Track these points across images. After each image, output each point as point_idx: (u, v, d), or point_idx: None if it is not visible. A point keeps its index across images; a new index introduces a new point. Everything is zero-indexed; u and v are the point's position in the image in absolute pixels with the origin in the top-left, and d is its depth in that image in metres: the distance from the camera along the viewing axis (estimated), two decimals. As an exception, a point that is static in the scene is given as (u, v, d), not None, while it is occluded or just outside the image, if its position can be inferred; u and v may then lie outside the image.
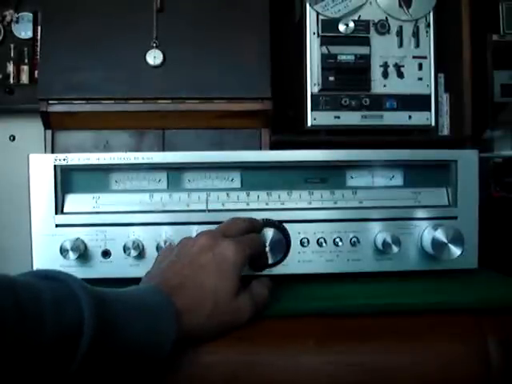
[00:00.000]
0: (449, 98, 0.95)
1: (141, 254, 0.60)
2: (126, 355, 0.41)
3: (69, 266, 0.58)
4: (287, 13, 0.94)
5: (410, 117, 0.88)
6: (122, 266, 0.60)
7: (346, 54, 0.85)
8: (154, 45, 0.83)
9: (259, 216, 0.61)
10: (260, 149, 0.86)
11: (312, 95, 0.86)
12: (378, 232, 0.62)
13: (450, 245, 0.60)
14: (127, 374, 0.43)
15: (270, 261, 0.59)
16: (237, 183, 0.63)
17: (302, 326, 0.50)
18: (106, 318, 0.40)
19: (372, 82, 0.87)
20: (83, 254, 0.59)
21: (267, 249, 0.59)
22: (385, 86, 0.88)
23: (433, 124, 0.89)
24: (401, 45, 0.88)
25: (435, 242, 0.60)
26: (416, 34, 0.88)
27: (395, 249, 0.60)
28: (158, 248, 0.60)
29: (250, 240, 0.53)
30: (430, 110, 0.89)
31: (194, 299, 0.46)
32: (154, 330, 0.42)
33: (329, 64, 0.85)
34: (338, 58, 0.85)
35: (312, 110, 0.86)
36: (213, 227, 0.59)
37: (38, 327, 0.37)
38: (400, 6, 0.88)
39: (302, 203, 0.63)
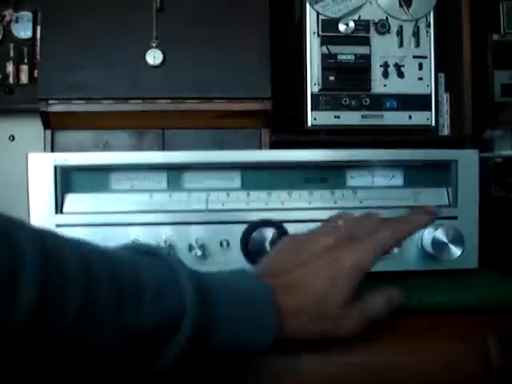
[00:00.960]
0: (449, 98, 0.95)
1: (141, 254, 0.60)
2: (221, 351, 0.40)
3: (69, 265, 0.58)
4: (287, 13, 0.94)
5: (410, 117, 0.88)
6: (121, 266, 0.60)
7: (346, 53, 0.85)
8: (154, 45, 0.82)
9: (259, 216, 0.60)
10: (260, 149, 0.86)
11: (312, 95, 0.86)
12: (378, 232, 0.62)
13: (450, 245, 0.60)
14: (219, 368, 0.41)
15: None
16: (237, 183, 0.63)
17: (302, 326, 0.49)
18: (208, 310, 0.38)
19: (372, 81, 0.87)
20: (83, 253, 0.59)
21: (267, 249, 0.59)
22: (385, 85, 0.87)
23: (433, 124, 0.89)
24: (401, 45, 0.88)
25: (435, 242, 0.60)
26: (416, 34, 0.88)
27: (395, 249, 0.60)
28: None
29: (378, 241, 0.47)
30: (430, 109, 0.89)
31: (298, 301, 0.44)
32: (254, 326, 0.40)
33: (329, 64, 0.85)
34: (338, 57, 0.85)
35: (312, 110, 0.86)
36: (213, 227, 0.59)
37: (135, 312, 0.35)
38: (400, 5, 0.88)
39: (302, 203, 0.63)
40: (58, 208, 0.60)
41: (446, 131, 0.95)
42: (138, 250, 0.41)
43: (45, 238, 0.34)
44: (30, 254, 0.31)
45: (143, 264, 0.38)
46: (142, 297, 0.36)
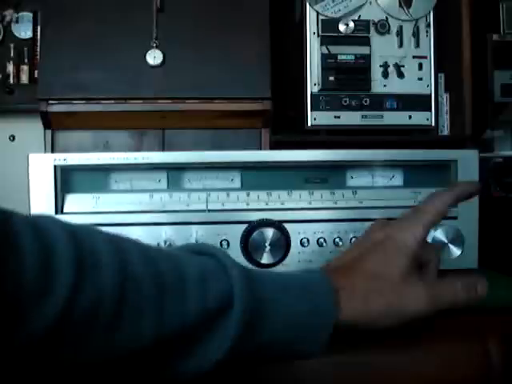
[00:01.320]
0: (449, 98, 0.95)
1: (141, 254, 0.60)
2: (273, 345, 0.38)
3: (69, 266, 0.58)
4: (287, 13, 0.94)
5: (410, 117, 0.88)
6: (121, 266, 0.60)
7: (346, 53, 0.85)
8: (154, 45, 0.82)
9: (259, 216, 0.61)
10: (260, 149, 0.86)
11: (312, 95, 0.86)
12: (378, 232, 0.62)
13: (449, 245, 0.60)
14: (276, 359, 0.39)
15: (272, 260, 0.58)
16: (237, 183, 0.63)
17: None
18: (258, 296, 0.37)
19: (372, 81, 0.87)
20: (83, 254, 0.59)
21: (267, 249, 0.59)
22: (385, 85, 0.87)
23: (433, 124, 0.89)
24: (401, 45, 0.88)
25: (435, 242, 0.60)
26: (416, 34, 0.88)
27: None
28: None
29: (422, 214, 0.47)
30: (430, 109, 0.89)
31: (354, 280, 0.42)
32: (312, 310, 0.39)
33: (329, 64, 0.85)
34: (338, 57, 0.85)
35: (312, 110, 0.86)
36: (213, 227, 0.59)
37: (179, 302, 0.34)
38: (400, 5, 0.88)
39: (302, 203, 0.63)
40: (59, 208, 0.60)
41: (445, 131, 0.95)
42: (190, 250, 0.41)
43: (76, 232, 0.34)
44: (65, 249, 0.32)
45: (185, 257, 0.38)
46: (185, 285, 0.35)
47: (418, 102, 0.88)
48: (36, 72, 0.96)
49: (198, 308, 0.35)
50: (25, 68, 0.99)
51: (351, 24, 0.85)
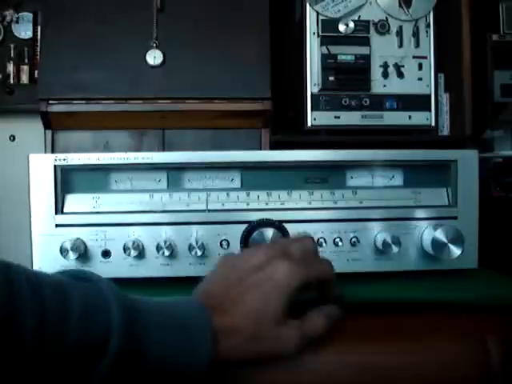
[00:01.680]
0: (449, 97, 0.95)
1: (141, 254, 0.60)
2: (158, 371, 0.39)
3: (69, 266, 0.58)
4: (287, 13, 0.94)
5: (409, 117, 0.88)
6: (121, 266, 0.60)
7: (346, 54, 0.85)
8: (154, 45, 0.83)
9: (259, 216, 0.61)
10: (260, 149, 0.86)
11: (312, 95, 0.86)
12: (377, 232, 0.62)
13: (449, 245, 0.60)
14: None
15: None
16: (237, 183, 0.63)
17: (302, 325, 0.49)
18: (135, 334, 0.38)
19: (372, 82, 0.87)
20: (83, 254, 0.59)
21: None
22: (385, 85, 0.88)
23: (433, 124, 0.89)
24: (401, 45, 0.88)
25: (435, 242, 0.60)
26: (416, 34, 0.88)
27: (395, 249, 0.60)
28: (157, 248, 0.60)
29: (314, 263, 0.47)
30: (430, 110, 0.89)
31: (234, 321, 0.43)
32: (188, 350, 0.40)
33: (329, 64, 0.85)
34: (338, 58, 0.85)
35: (312, 110, 0.86)
36: (213, 227, 0.59)
37: (60, 333, 0.36)
38: (400, 6, 0.88)
39: (302, 203, 0.63)
40: (59, 208, 0.60)
41: (445, 131, 0.95)
42: (72, 276, 0.41)
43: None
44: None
45: (70, 286, 0.38)
46: (66, 319, 0.36)
47: (417, 102, 0.88)
48: (36, 72, 0.96)
49: (76, 341, 0.36)
50: (25, 68, 0.99)
51: (351, 24, 0.86)
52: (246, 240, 0.60)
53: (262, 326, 0.43)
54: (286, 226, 0.61)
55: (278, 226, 0.60)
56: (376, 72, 0.87)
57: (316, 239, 0.61)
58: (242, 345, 0.42)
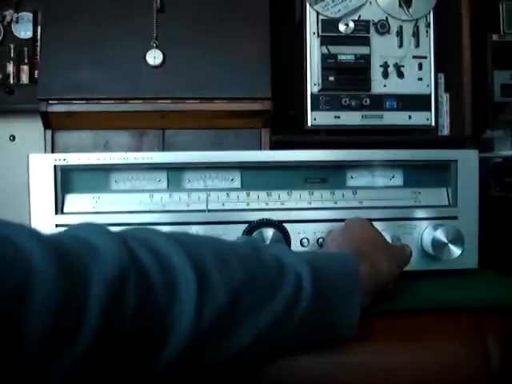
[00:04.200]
0: (449, 97, 0.95)
1: (141, 254, 0.60)
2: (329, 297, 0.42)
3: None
4: (287, 13, 0.94)
5: (409, 117, 0.88)
6: (121, 266, 0.60)
7: (346, 54, 0.85)
8: (154, 45, 0.83)
9: (259, 216, 0.60)
10: (260, 149, 0.86)
11: (312, 95, 0.86)
12: (378, 232, 0.62)
13: (450, 245, 0.60)
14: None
15: None
16: (237, 183, 0.63)
17: (302, 325, 0.49)
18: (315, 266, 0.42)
19: (372, 82, 0.87)
20: (83, 253, 0.59)
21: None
22: (385, 86, 0.88)
23: (433, 124, 0.89)
24: (401, 45, 0.88)
25: (435, 242, 0.60)
26: (416, 34, 0.88)
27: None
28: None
29: None
30: (430, 110, 0.89)
31: (366, 245, 0.50)
32: (345, 271, 0.44)
33: (329, 64, 0.85)
34: (338, 58, 0.85)
35: (312, 110, 0.86)
36: (213, 227, 0.59)
37: (269, 303, 0.38)
38: (400, 6, 0.88)
39: (302, 203, 0.63)
40: (59, 208, 0.60)
41: (445, 131, 0.95)
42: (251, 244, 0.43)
43: (190, 255, 0.36)
44: (188, 278, 0.34)
45: (260, 257, 0.41)
46: (273, 287, 0.39)
47: (417, 102, 0.88)
48: (36, 72, 0.96)
49: (283, 301, 0.39)
50: (25, 68, 0.99)
51: (351, 24, 0.86)
52: (245, 240, 0.60)
53: (387, 245, 0.53)
54: (286, 225, 0.61)
55: (278, 225, 0.60)
56: (376, 72, 0.87)
57: (316, 239, 0.61)
58: (382, 260, 0.49)
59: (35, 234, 0.29)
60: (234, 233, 0.60)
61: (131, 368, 0.32)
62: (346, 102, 0.86)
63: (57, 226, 0.60)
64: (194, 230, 0.60)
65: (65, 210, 0.61)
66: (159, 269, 0.33)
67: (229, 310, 0.36)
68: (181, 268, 0.34)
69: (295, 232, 0.61)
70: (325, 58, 0.85)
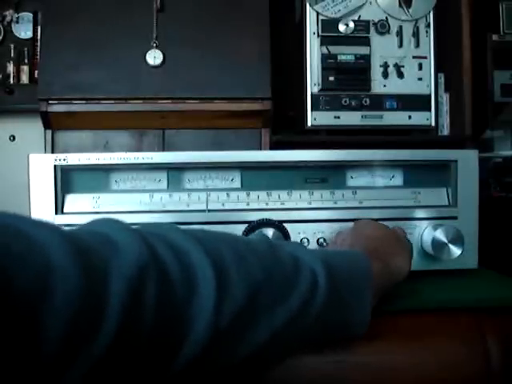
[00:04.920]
0: (449, 97, 0.95)
1: (141, 254, 0.60)
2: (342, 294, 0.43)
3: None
4: (287, 13, 0.94)
5: (409, 117, 0.88)
6: (122, 266, 0.60)
7: (346, 53, 0.85)
8: (154, 45, 0.83)
9: (259, 216, 0.60)
10: (260, 149, 0.86)
11: (312, 95, 0.86)
12: (378, 232, 0.62)
13: (450, 245, 0.60)
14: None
15: None
16: (237, 183, 0.63)
17: (302, 325, 0.49)
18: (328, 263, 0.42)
19: (372, 82, 0.87)
20: (83, 253, 0.59)
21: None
22: (385, 85, 0.88)
23: (433, 124, 0.89)
24: (401, 45, 0.88)
25: (435, 242, 0.60)
26: (416, 34, 0.88)
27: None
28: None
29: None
30: (429, 110, 0.89)
31: (376, 243, 0.51)
32: (356, 268, 0.44)
33: (329, 64, 0.85)
34: (338, 58, 0.85)
35: (312, 110, 0.86)
36: (213, 227, 0.59)
37: (285, 301, 0.38)
38: (400, 5, 0.88)
39: (302, 203, 0.63)
40: (59, 208, 0.60)
41: (445, 131, 0.95)
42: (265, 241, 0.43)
43: (208, 252, 0.36)
44: (207, 275, 0.34)
45: (277, 255, 0.41)
46: (289, 287, 0.39)
47: (417, 102, 0.88)
48: (36, 72, 0.96)
49: (299, 298, 0.39)
50: (25, 68, 0.99)
51: (351, 24, 0.86)
52: (246, 240, 0.60)
53: (397, 241, 0.53)
54: (286, 225, 0.61)
55: (278, 225, 0.60)
56: (376, 72, 0.87)
57: (316, 239, 0.61)
58: (394, 258, 0.50)
59: (56, 229, 0.29)
60: (234, 233, 0.60)
61: (151, 364, 0.32)
62: (345, 102, 0.86)
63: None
64: (194, 230, 0.60)
65: (65, 210, 0.61)
66: (179, 266, 0.33)
67: (247, 307, 0.36)
68: (200, 265, 0.34)
69: (295, 232, 0.61)
70: (325, 58, 0.85)
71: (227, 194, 0.62)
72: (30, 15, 0.99)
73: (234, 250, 0.37)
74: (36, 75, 0.95)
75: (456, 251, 0.60)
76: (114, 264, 0.30)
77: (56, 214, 0.60)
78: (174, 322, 0.32)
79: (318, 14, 0.86)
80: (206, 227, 0.60)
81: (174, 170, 0.63)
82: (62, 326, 0.26)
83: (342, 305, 0.43)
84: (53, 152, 0.85)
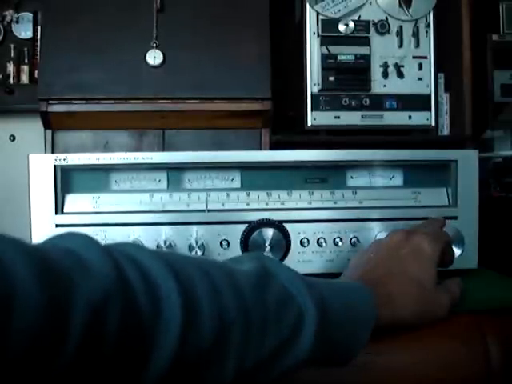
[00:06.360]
0: (449, 97, 0.95)
1: (141, 254, 0.60)
2: (331, 351, 0.41)
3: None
4: (287, 13, 0.94)
5: (410, 117, 0.88)
6: (122, 266, 0.60)
7: (346, 53, 0.85)
8: (154, 45, 0.82)
9: (259, 216, 0.61)
10: (260, 149, 0.86)
11: (312, 95, 0.86)
12: (377, 232, 0.62)
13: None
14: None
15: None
16: (237, 183, 0.63)
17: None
18: (321, 305, 0.40)
19: (372, 82, 0.87)
20: (83, 254, 0.59)
21: (267, 249, 0.59)
22: (385, 85, 0.87)
23: (433, 124, 0.89)
24: (401, 45, 0.88)
25: (435, 242, 0.60)
26: (416, 34, 0.88)
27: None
28: (157, 248, 0.59)
29: (442, 234, 0.54)
30: (430, 109, 0.89)
31: (400, 285, 0.46)
32: (358, 327, 0.43)
33: (329, 64, 0.85)
34: (338, 58, 0.85)
35: (312, 110, 0.86)
36: (213, 227, 0.59)
37: (260, 339, 0.37)
38: (400, 6, 0.88)
39: (302, 203, 0.63)
40: (59, 208, 0.60)
41: (445, 131, 0.95)
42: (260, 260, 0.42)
43: (178, 274, 0.34)
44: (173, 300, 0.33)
45: (258, 291, 0.39)
46: (266, 323, 0.37)
47: (417, 102, 0.88)
48: (36, 72, 0.96)
49: (276, 338, 0.37)
50: (25, 68, 0.99)
51: (351, 24, 0.86)
52: (245, 240, 0.60)
53: (425, 289, 0.47)
54: (286, 225, 0.61)
55: (278, 226, 0.60)
56: (376, 72, 0.87)
57: (316, 239, 0.62)
58: (409, 307, 0.46)
59: (21, 246, 0.28)
60: (234, 233, 0.61)
61: None
62: (345, 102, 0.86)
63: (57, 225, 0.60)
64: (194, 229, 0.60)
65: (65, 210, 0.61)
66: (146, 292, 0.32)
67: (214, 344, 0.34)
68: (168, 294, 0.33)
69: (295, 232, 0.61)
70: (325, 58, 0.85)
71: (227, 194, 0.62)
72: (30, 15, 0.99)
73: (210, 281, 0.36)
74: (36, 75, 0.95)
75: (456, 251, 0.60)
76: (81, 285, 0.29)
77: (56, 214, 0.60)
78: (137, 346, 0.31)
79: (317, 13, 0.86)
80: (205, 227, 0.60)
81: (174, 170, 0.63)
82: (22, 346, 0.26)
83: (331, 347, 0.41)
84: (53, 152, 0.85)
